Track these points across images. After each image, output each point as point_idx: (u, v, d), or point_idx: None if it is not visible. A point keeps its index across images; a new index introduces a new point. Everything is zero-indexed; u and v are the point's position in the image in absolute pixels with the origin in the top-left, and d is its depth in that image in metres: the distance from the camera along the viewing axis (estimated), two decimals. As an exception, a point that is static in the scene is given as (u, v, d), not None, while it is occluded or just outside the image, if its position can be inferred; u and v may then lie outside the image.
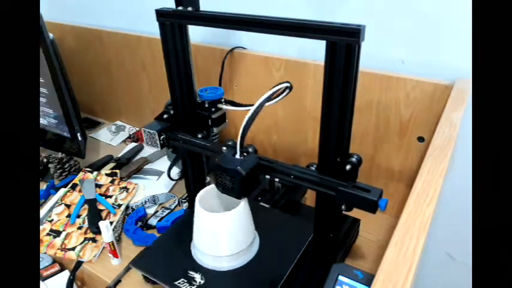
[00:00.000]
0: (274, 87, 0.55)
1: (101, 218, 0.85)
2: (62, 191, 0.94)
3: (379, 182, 0.86)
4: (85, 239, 0.81)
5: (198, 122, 0.75)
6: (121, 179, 1.00)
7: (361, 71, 0.50)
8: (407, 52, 0.75)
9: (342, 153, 0.55)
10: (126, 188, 0.95)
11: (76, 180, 0.96)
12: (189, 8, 0.61)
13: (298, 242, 0.68)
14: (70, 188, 0.94)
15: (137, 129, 1.27)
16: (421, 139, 0.76)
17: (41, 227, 0.84)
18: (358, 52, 0.48)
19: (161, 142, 0.74)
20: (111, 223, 0.80)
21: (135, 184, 0.98)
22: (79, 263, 0.77)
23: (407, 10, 0.72)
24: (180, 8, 0.61)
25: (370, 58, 0.68)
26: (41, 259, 0.78)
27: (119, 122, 1.33)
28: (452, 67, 0.71)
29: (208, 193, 0.67)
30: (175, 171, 1.00)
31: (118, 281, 0.73)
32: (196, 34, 0.80)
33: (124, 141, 1.23)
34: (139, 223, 0.86)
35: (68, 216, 0.87)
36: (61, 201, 0.91)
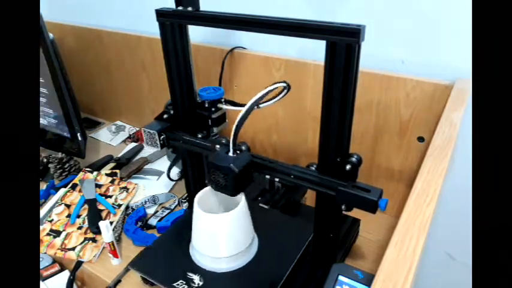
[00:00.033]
0: (267, 87, 0.55)
1: (101, 218, 0.85)
2: (62, 191, 0.94)
3: (379, 182, 0.86)
4: (85, 239, 0.81)
5: (198, 122, 0.75)
6: (121, 179, 1.00)
7: (361, 71, 0.50)
8: (407, 52, 0.75)
9: (342, 153, 0.55)
10: (126, 188, 0.95)
11: (76, 180, 0.96)
12: (189, 8, 0.61)
13: (298, 242, 0.68)
14: (70, 188, 0.94)
15: (137, 129, 1.27)
16: (421, 139, 0.76)
17: (41, 227, 0.84)
18: (358, 52, 0.48)
19: (161, 142, 0.74)
20: (111, 223, 0.80)
21: (135, 184, 0.98)
22: (79, 263, 0.77)
23: (407, 10, 0.72)
24: (180, 8, 0.61)
25: (370, 58, 0.68)
26: (41, 259, 0.78)
27: (119, 122, 1.33)
28: (452, 67, 0.71)
29: (207, 194, 0.67)
30: (175, 171, 1.00)
31: (118, 281, 0.73)
32: (196, 34, 0.80)
33: (124, 141, 1.23)
34: (139, 223, 0.86)
35: (68, 216, 0.87)
36: (61, 201, 0.91)
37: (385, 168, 0.84)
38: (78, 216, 0.87)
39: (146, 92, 1.16)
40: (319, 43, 0.49)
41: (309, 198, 0.88)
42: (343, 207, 0.57)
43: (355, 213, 0.62)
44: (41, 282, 0.74)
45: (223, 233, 0.63)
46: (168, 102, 0.75)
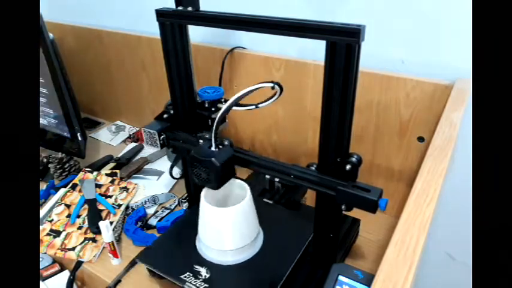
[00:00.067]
0: (251, 86, 0.56)
1: (101, 218, 0.85)
2: (62, 191, 0.94)
3: (379, 182, 0.86)
4: (85, 239, 0.81)
5: (198, 122, 0.75)
6: (121, 179, 1.00)
7: (361, 71, 0.50)
8: (407, 52, 0.75)
9: (342, 153, 0.55)
10: (126, 188, 0.95)
11: (76, 180, 0.96)
12: (189, 8, 0.61)
13: (298, 241, 0.68)
14: (70, 188, 0.94)
15: (137, 129, 1.27)
16: (421, 139, 0.76)
17: (41, 227, 0.84)
18: (358, 52, 0.48)
19: (161, 142, 0.74)
20: (111, 223, 0.80)
21: (135, 184, 0.98)
22: (79, 263, 0.77)
23: (407, 10, 0.72)
24: (180, 8, 0.61)
25: (370, 58, 0.68)
26: (41, 259, 0.78)
27: (119, 122, 1.33)
28: (452, 67, 0.71)
29: None
30: (176, 171, 1.00)
31: (118, 281, 0.73)
32: (196, 34, 0.80)
33: (124, 141, 1.23)
34: (139, 223, 0.86)
35: (68, 216, 0.87)
36: (61, 201, 0.91)
37: (385, 168, 0.84)
38: (78, 216, 0.87)
39: (146, 92, 1.16)
40: (319, 43, 0.49)
41: (309, 198, 0.88)
42: (343, 207, 0.58)
43: (355, 213, 0.62)
44: (41, 282, 0.74)
45: (229, 226, 0.64)
46: (168, 102, 0.75)
